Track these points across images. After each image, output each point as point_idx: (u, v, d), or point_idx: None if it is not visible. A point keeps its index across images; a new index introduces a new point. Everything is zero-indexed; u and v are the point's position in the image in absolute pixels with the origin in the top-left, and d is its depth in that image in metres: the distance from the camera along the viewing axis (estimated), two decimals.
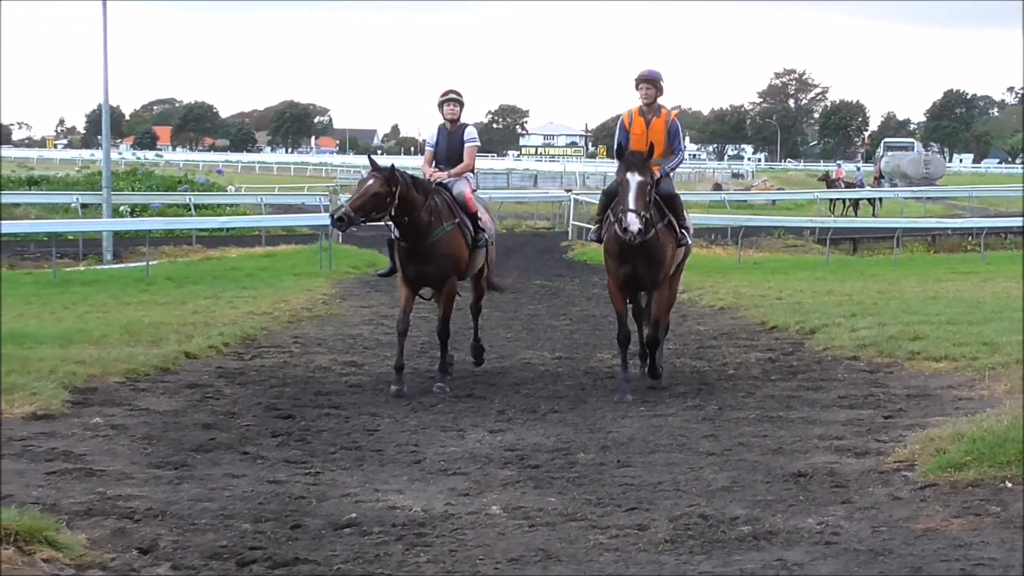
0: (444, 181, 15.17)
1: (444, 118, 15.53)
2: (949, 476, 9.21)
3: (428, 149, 15.91)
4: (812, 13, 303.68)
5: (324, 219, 35.89)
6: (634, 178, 13.63)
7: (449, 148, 15.49)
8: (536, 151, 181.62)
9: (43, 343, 16.09)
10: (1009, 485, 8.89)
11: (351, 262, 32.96)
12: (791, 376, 15.24)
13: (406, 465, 10.51)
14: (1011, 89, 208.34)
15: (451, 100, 15.46)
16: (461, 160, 15.43)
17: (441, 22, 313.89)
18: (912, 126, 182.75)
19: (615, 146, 14.60)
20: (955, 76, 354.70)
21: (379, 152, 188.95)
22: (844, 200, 59.52)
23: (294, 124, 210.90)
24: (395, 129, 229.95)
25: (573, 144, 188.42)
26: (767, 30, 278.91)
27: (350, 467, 10.44)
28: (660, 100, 14.82)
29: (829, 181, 63.38)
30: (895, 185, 76.23)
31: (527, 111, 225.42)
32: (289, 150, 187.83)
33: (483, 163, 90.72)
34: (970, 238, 43.65)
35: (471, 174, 15.81)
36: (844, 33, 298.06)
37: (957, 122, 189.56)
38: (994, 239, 42.92)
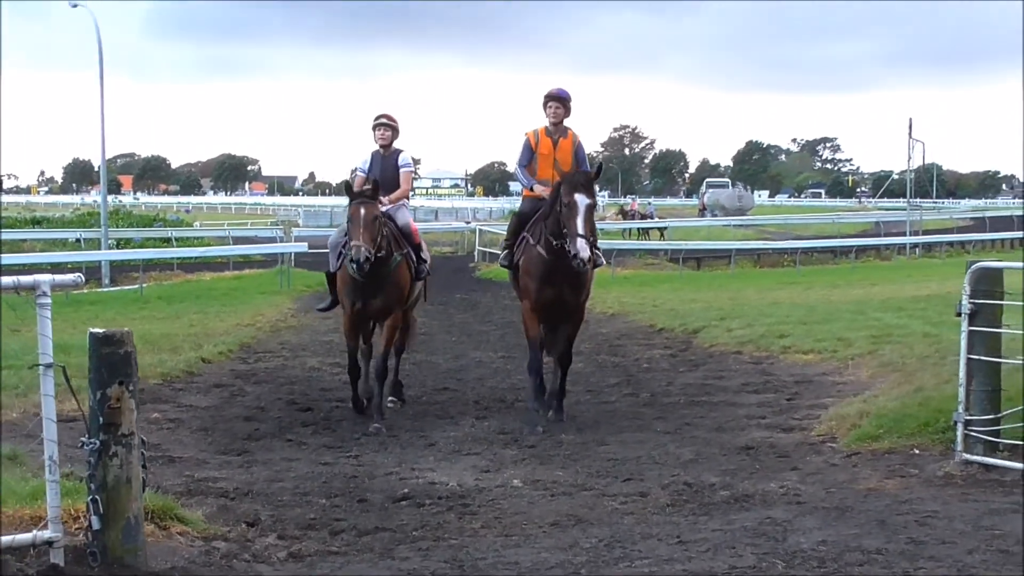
0: (386, 210, 11.88)
1: (376, 143, 12.47)
2: (868, 446, 9.24)
3: (359, 175, 12.52)
4: (641, 82, 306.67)
5: (282, 248, 35.63)
6: (583, 200, 10.76)
7: (383, 174, 12.23)
8: (427, 191, 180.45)
9: (83, 353, 15.54)
10: (917, 452, 8.93)
11: (305, 282, 32.31)
12: (695, 368, 15.20)
13: (423, 448, 10.27)
14: (794, 140, 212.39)
15: (383, 125, 12.39)
16: (395, 186, 12.28)
17: (346, 90, 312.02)
18: (722, 168, 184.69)
19: (518, 167, 12.11)
20: (753, 130, 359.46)
21: (299, 194, 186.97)
22: (642, 229, 57.29)
23: (231, 172, 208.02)
24: (312, 175, 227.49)
25: (456, 185, 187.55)
26: (607, 94, 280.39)
27: (379, 450, 10.18)
28: (566, 121, 11.94)
29: (625, 213, 61.36)
30: (715, 215, 76.95)
31: (419, 159, 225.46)
32: (228, 193, 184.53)
33: None
34: (785, 256, 44.19)
35: (407, 201, 12.96)
36: (667, 97, 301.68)
37: (756, 165, 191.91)
38: (804, 256, 43.51)
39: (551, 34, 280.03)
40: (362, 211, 11.30)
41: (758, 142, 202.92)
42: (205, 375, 14.70)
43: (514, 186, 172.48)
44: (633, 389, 13.52)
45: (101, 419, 5.90)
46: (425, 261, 12.64)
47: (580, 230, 10.68)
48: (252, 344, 18.45)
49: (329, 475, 8.98)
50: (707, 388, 13.31)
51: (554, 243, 11.08)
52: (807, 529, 6.75)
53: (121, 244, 43.27)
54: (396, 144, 12.56)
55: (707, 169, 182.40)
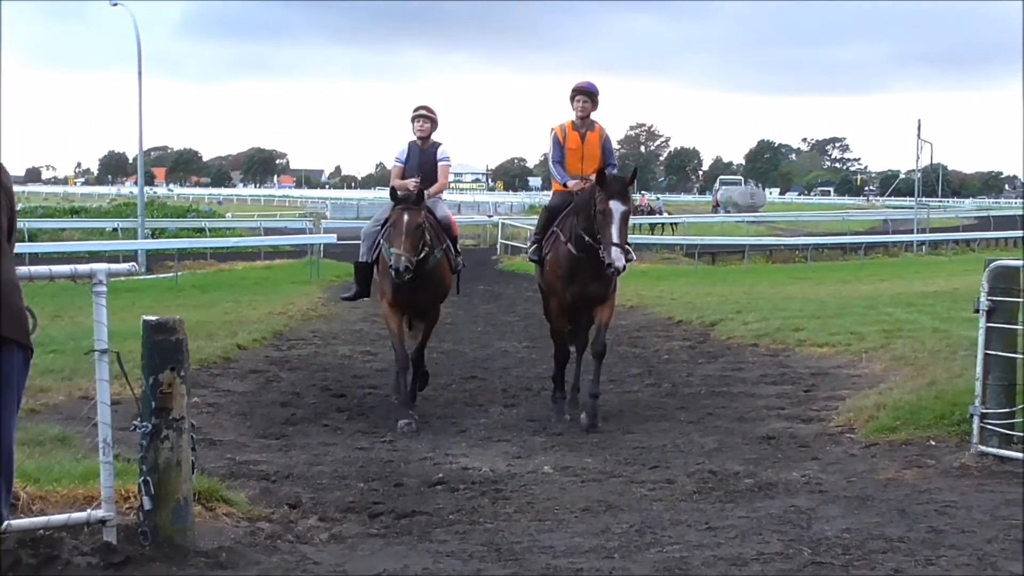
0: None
1: (415, 134, 11.82)
2: (885, 437, 9.17)
3: (397, 165, 11.91)
4: (656, 83, 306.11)
5: (312, 239, 35.69)
6: (618, 208, 10.23)
7: (421, 166, 11.65)
8: (449, 186, 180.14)
9: (126, 339, 15.57)
10: (933, 443, 8.87)
11: (333, 272, 32.42)
12: (713, 359, 15.12)
13: (455, 434, 10.25)
14: (804, 139, 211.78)
15: (422, 116, 11.76)
16: (433, 179, 11.66)
17: (371, 87, 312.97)
18: (734, 166, 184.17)
19: (552, 164, 11.49)
20: (764, 129, 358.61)
21: (326, 186, 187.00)
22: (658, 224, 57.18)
23: (261, 165, 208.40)
24: (338, 169, 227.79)
25: (477, 180, 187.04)
26: (623, 94, 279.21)
27: (411, 436, 10.17)
28: (593, 115, 11.45)
29: (636, 208, 60.35)
30: (729, 212, 76.68)
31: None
32: (257, 185, 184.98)
33: None
34: (797, 252, 44.09)
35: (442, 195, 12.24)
36: (681, 98, 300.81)
37: (767, 164, 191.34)
38: (815, 252, 43.36)
39: (568, 37, 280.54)
40: (405, 217, 10.63)
41: (769, 141, 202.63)
42: (241, 361, 14.70)
43: (533, 181, 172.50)
44: (655, 379, 13.48)
45: (153, 403, 5.91)
46: (459, 254, 12.15)
47: (615, 239, 10.19)
48: (284, 332, 18.43)
49: (365, 460, 8.99)
50: (726, 379, 13.25)
51: (586, 239, 10.55)
52: (830, 517, 6.72)
53: (156, 234, 43.37)
54: (434, 136, 11.94)
55: (720, 167, 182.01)
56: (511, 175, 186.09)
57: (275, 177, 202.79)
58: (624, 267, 10.36)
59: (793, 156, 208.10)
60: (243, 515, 6.76)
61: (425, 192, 11.16)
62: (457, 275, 12.28)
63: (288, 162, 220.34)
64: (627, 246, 10.64)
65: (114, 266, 6.16)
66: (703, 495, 7.68)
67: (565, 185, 11.32)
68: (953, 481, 7.78)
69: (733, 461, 8.76)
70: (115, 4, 34.40)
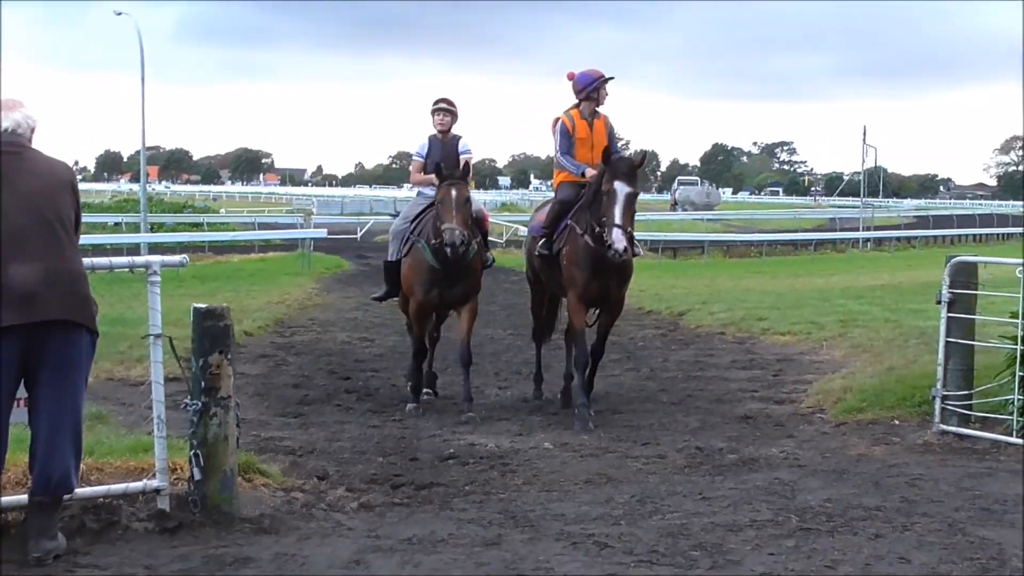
0: None
1: (435, 128, 11.05)
2: (853, 417, 9.38)
3: (417, 159, 11.10)
4: (616, 89, 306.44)
5: (304, 233, 35.57)
6: (623, 188, 9.30)
7: (444, 159, 10.48)
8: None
9: (139, 325, 15.58)
10: (897, 422, 9.08)
11: (324, 265, 32.36)
12: (686, 346, 15.30)
13: (458, 413, 10.30)
14: (755, 143, 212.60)
15: (442, 110, 10.97)
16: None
17: (351, 91, 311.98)
18: (690, 168, 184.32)
19: (558, 154, 10.42)
20: (718, 133, 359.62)
21: (308, 184, 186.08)
22: None
23: (248, 164, 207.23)
24: (319, 168, 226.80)
25: None
26: None
27: (418, 416, 10.28)
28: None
29: None
30: (686, 210, 76.95)
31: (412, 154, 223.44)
32: (245, 183, 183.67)
33: (397, 193, 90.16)
34: (752, 247, 44.33)
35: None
36: (641, 103, 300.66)
37: (720, 165, 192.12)
38: (769, 248, 43.58)
39: (533, 44, 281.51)
40: (453, 192, 9.85)
41: (723, 145, 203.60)
42: (249, 346, 14.77)
43: (503, 180, 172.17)
44: (634, 365, 13.62)
45: (203, 383, 6.04)
46: (489, 250, 11.36)
47: (618, 220, 9.23)
48: (285, 319, 18.47)
49: (380, 436, 9.10)
50: (700, 364, 13.42)
51: (598, 231, 9.57)
52: (812, 489, 6.91)
53: (155, 228, 43.11)
54: (454, 129, 11.11)
55: (677, 168, 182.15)
56: (482, 175, 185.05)
57: (261, 175, 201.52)
58: (625, 248, 9.28)
59: (744, 158, 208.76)
60: (278, 486, 6.88)
61: (470, 167, 10.37)
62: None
63: (273, 161, 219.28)
64: (632, 234, 9.66)
65: (167, 258, 6.28)
66: (693, 469, 7.85)
67: (583, 174, 10.19)
68: (919, 456, 7.99)
69: (716, 439, 8.93)
70: (119, 14, 34.17)
